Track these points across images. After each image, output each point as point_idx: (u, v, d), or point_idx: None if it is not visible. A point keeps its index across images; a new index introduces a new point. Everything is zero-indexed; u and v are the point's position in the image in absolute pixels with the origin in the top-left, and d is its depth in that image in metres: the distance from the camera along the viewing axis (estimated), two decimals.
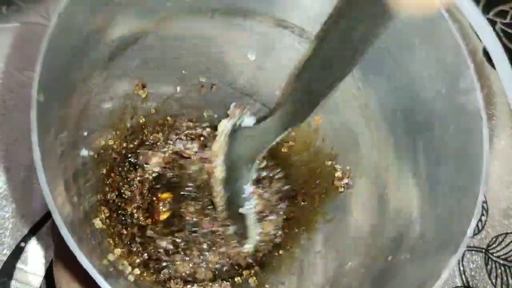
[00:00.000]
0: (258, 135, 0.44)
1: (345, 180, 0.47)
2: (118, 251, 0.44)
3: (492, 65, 0.70)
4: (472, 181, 0.33)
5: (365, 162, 0.45)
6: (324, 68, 0.37)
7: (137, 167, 0.52)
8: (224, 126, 0.47)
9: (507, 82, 0.70)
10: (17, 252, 0.58)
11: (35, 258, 0.59)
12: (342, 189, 0.47)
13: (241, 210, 0.47)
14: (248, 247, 0.49)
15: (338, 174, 0.47)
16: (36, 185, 0.61)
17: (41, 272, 0.58)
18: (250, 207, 0.47)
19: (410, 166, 0.39)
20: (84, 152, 0.41)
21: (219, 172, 0.47)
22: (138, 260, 0.47)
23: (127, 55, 0.40)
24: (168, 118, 0.53)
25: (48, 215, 0.60)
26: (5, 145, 0.61)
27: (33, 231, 0.59)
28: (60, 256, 0.43)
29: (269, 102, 0.50)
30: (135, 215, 0.50)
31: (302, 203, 0.51)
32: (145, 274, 0.45)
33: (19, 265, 0.58)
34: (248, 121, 0.46)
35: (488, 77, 0.71)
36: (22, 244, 0.59)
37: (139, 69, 0.44)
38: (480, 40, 0.71)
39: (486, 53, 0.71)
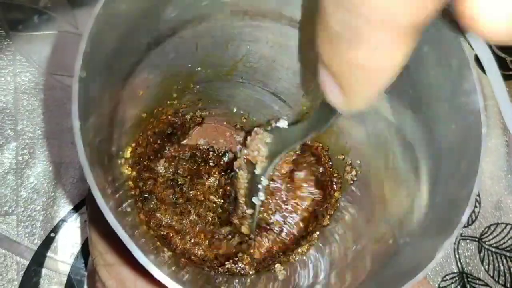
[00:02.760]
0: (284, 135, 0.45)
1: (354, 173, 0.49)
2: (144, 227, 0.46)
3: (483, 71, 0.74)
4: (469, 174, 0.33)
5: (373, 157, 0.46)
6: None
7: (174, 141, 0.54)
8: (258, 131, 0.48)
9: (496, 87, 0.73)
10: (48, 242, 0.61)
11: (64, 247, 0.61)
12: (352, 182, 0.49)
13: (253, 199, 0.49)
14: (243, 229, 0.51)
15: (348, 168, 0.49)
16: (64, 180, 0.64)
17: (70, 260, 0.61)
18: (261, 198, 0.48)
19: (413, 161, 0.40)
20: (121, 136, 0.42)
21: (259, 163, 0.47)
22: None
23: (163, 47, 0.41)
24: (197, 112, 0.55)
25: (75, 208, 0.64)
26: (34, 143, 0.64)
27: (62, 222, 0.62)
28: (94, 220, 0.45)
29: (282, 93, 0.51)
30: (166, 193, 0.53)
31: (317, 196, 0.52)
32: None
33: (49, 254, 0.61)
34: (282, 123, 0.47)
35: (480, 82, 0.74)
36: (52, 235, 0.61)
37: (173, 62, 0.44)
38: (471, 46, 0.75)
39: (477, 59, 0.75)
